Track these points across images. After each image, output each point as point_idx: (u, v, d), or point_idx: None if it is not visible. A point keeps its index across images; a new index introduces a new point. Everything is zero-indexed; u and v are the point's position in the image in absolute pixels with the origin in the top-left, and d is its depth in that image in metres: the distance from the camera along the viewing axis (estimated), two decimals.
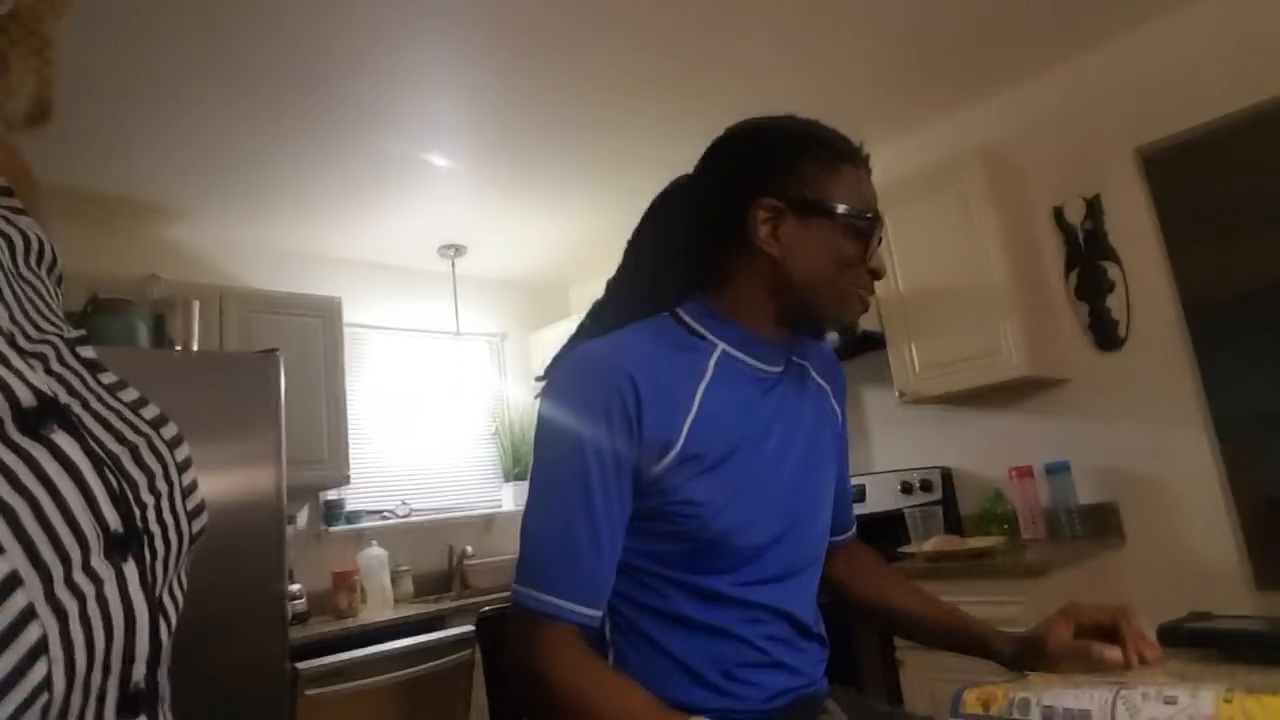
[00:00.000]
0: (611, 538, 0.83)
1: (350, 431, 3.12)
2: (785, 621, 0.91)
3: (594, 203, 3.36)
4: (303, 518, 3.23)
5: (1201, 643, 0.89)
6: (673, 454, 0.83)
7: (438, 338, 3.86)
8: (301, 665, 2.34)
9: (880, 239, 0.91)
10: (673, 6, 2.18)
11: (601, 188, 3.22)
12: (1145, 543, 2.49)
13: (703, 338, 0.91)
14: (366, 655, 2.45)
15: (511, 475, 3.87)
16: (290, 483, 2.79)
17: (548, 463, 0.84)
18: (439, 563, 3.54)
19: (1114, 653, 0.83)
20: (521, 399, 4.03)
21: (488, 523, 3.78)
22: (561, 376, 0.86)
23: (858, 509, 2.94)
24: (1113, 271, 2.62)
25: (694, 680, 0.85)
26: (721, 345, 0.91)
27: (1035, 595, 2.08)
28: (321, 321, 3.14)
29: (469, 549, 3.55)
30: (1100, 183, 2.66)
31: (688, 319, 0.92)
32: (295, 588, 2.85)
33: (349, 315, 3.39)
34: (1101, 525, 2.54)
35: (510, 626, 0.84)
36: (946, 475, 2.89)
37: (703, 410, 0.85)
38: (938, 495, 2.83)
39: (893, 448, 3.12)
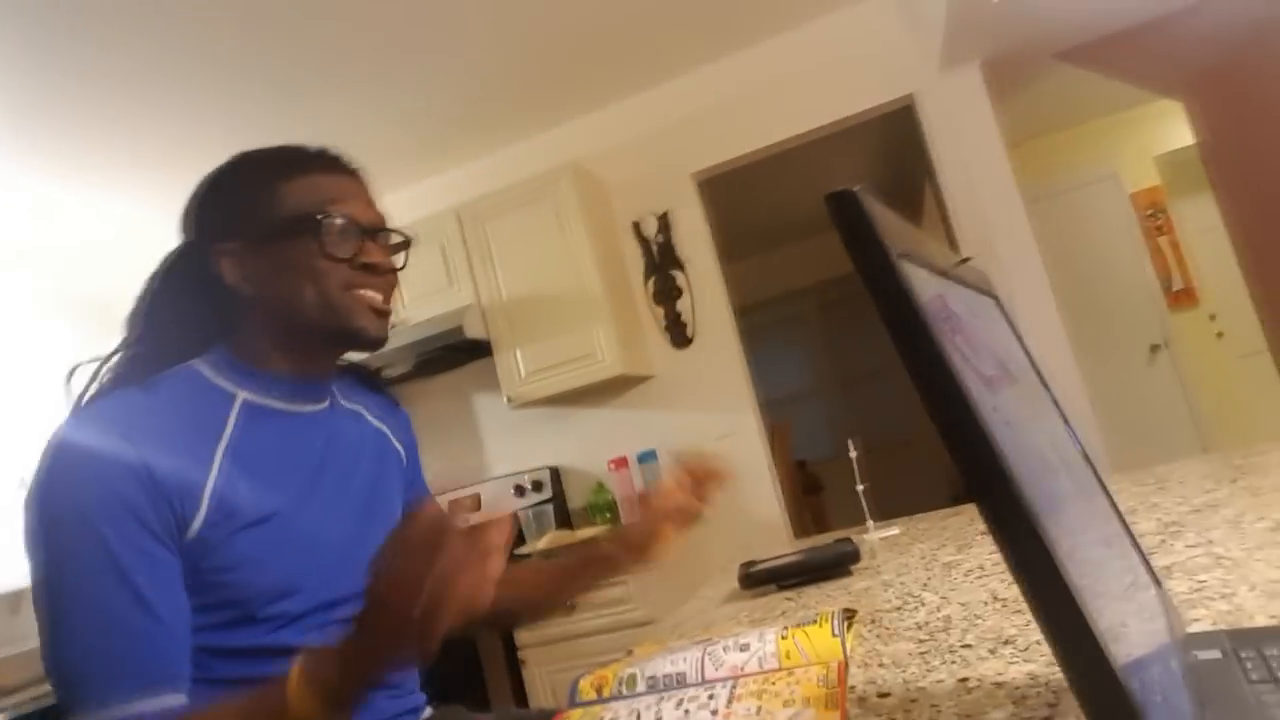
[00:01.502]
0: (170, 604, 0.71)
1: None
2: None
3: (149, 198, 2.84)
4: None
5: (765, 580, 1.10)
6: (198, 521, 0.74)
7: None
8: None
9: (370, 232, 0.86)
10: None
11: (159, 180, 2.74)
12: (716, 511, 2.92)
13: (223, 390, 0.84)
14: None
15: None
16: None
17: (61, 562, 0.69)
18: None
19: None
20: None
21: (15, 601, 2.97)
22: (50, 472, 0.71)
23: (475, 517, 2.96)
24: (681, 279, 3.03)
25: None
26: (244, 394, 0.84)
27: (637, 573, 2.29)
28: None
29: None
30: (669, 201, 3.05)
31: (206, 372, 0.84)
32: None
33: None
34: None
35: None
36: (555, 473, 3.06)
37: (227, 468, 0.78)
38: (548, 494, 2.98)
39: (505, 452, 3.20)
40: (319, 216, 0.82)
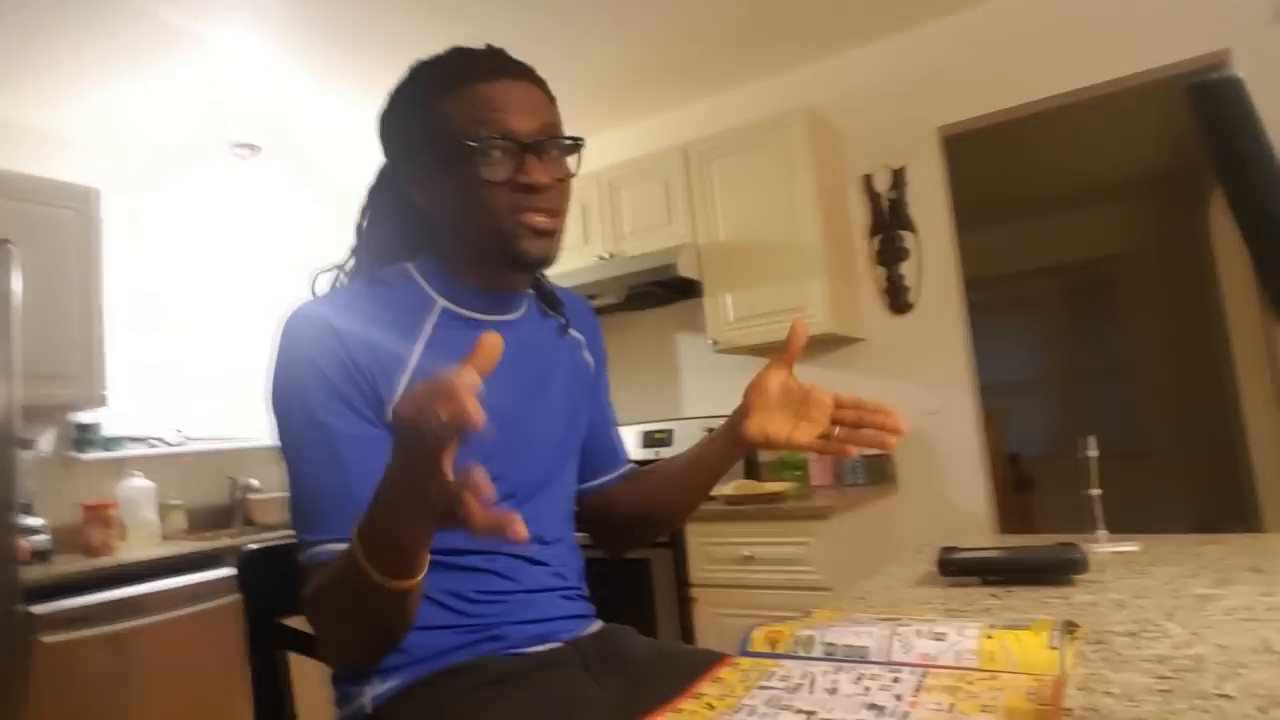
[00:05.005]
0: (363, 465, 0.77)
1: (110, 346, 2.72)
2: (537, 566, 0.90)
3: None
4: (47, 443, 2.79)
5: (969, 570, 1.00)
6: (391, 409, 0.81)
7: (226, 242, 3.46)
8: (37, 609, 2.04)
9: (529, 146, 0.83)
10: None
11: None
12: (914, 490, 2.76)
13: (426, 294, 0.89)
14: (117, 597, 2.17)
15: None
16: (29, 401, 2.40)
17: (286, 421, 0.81)
18: (219, 496, 3.22)
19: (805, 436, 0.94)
20: None
21: (278, 454, 3.48)
22: (281, 339, 0.83)
23: (665, 451, 3.02)
24: (909, 241, 2.82)
25: (438, 609, 0.83)
26: (441, 301, 0.89)
27: (820, 536, 2.23)
28: (74, 214, 2.67)
29: (254, 482, 3.26)
30: (906, 156, 2.83)
31: (415, 275, 0.90)
32: (35, 521, 2.47)
33: (114, 206, 2.91)
34: (879, 474, 2.78)
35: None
36: None
37: (423, 363, 0.84)
38: None
39: (702, 394, 3.22)
40: (468, 141, 0.81)
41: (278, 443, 0.82)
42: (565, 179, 0.87)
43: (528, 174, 0.83)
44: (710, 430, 3.03)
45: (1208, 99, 0.23)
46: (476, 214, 0.84)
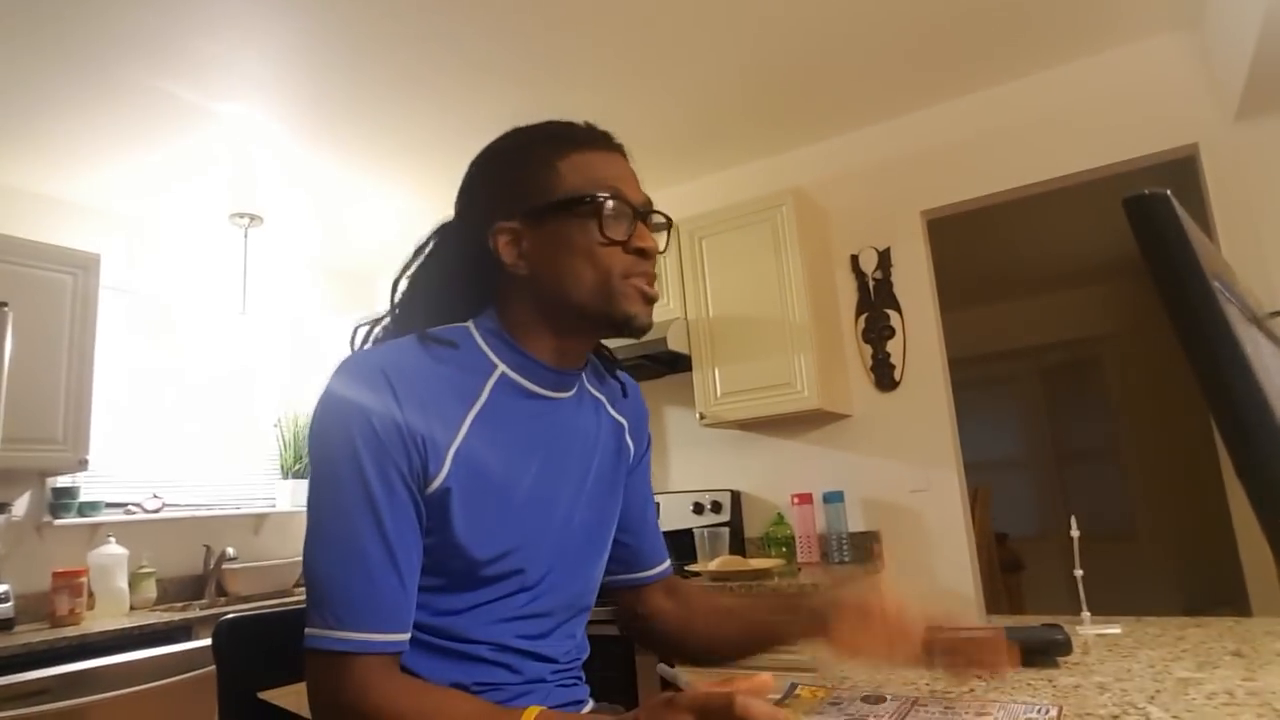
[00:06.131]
0: (407, 555, 0.76)
1: (96, 410, 2.70)
2: (542, 662, 0.87)
3: (416, 188, 3.19)
4: (21, 506, 2.74)
5: None
6: (438, 479, 0.78)
7: (219, 312, 3.48)
8: None
9: (642, 214, 0.86)
10: (522, 7, 2.14)
11: (425, 174, 3.07)
12: (900, 568, 2.74)
13: (486, 358, 0.86)
14: (79, 670, 2.10)
15: (290, 472, 3.54)
16: (8, 464, 2.38)
17: (325, 485, 0.76)
18: (193, 564, 3.15)
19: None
20: (310, 389, 3.71)
21: (258, 523, 3.43)
22: (328, 393, 0.78)
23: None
24: (895, 319, 2.88)
25: None
26: (501, 367, 0.86)
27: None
28: (73, 279, 2.70)
29: (230, 550, 3.19)
30: (891, 237, 2.92)
31: (475, 335, 0.87)
32: (0, 588, 2.41)
33: (112, 276, 2.95)
34: (865, 551, 2.76)
35: (311, 676, 0.74)
36: (736, 497, 3.02)
37: (472, 436, 0.80)
38: (726, 516, 2.94)
39: (688, 468, 3.21)
40: (597, 197, 0.82)
41: (313, 509, 0.76)
42: (661, 252, 0.89)
43: (642, 239, 0.85)
44: (704, 502, 2.97)
45: (1138, 214, 0.25)
46: (587, 270, 0.82)
